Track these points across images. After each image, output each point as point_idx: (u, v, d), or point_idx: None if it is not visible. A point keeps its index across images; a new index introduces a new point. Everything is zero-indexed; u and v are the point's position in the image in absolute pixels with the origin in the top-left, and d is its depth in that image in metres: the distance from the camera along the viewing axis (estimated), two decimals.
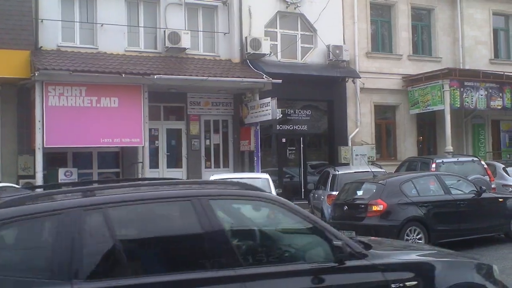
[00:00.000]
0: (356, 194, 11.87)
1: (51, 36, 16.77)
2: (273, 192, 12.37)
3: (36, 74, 14.73)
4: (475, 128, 22.67)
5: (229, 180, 7.98)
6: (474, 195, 11.97)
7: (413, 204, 11.10)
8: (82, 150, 16.92)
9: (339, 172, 14.45)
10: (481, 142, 22.52)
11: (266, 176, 13.29)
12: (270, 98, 16.98)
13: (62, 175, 15.49)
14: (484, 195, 12.06)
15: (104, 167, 17.71)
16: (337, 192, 12.91)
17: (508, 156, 22.65)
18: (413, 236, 10.83)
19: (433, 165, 15.50)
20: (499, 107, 21.00)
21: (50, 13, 16.75)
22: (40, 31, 16.57)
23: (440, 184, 11.90)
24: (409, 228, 10.84)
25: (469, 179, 13.33)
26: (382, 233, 10.33)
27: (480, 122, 22.68)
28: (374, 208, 10.92)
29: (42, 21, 16.58)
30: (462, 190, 12.24)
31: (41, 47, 16.45)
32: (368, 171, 13.18)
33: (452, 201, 11.61)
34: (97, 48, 17.38)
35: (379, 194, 11.14)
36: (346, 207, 11.67)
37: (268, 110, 16.82)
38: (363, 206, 11.22)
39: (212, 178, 12.88)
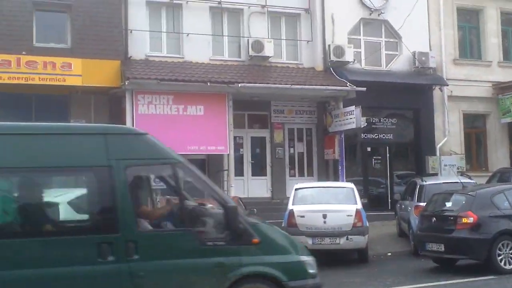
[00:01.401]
0: (445, 205, 11.37)
1: (140, 46, 17.24)
2: (358, 201, 12.11)
3: (126, 83, 15.20)
4: None
5: None
6: None
7: (505, 217, 10.51)
8: None
9: (427, 183, 13.96)
10: None
11: (351, 185, 13.18)
12: (354, 106, 16.72)
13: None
14: None
15: None
16: (425, 203, 12.39)
17: None
18: (505, 250, 10.28)
19: None
20: None
21: (138, 23, 17.26)
22: (130, 41, 17.08)
23: None
24: (502, 242, 10.30)
25: None
26: (473, 246, 10.15)
27: None
28: (464, 220, 10.41)
29: (131, 32, 17.08)
30: None
31: (130, 56, 16.92)
32: (457, 182, 12.55)
33: None
34: (183, 58, 17.70)
35: (469, 205, 10.61)
36: (434, 219, 11.16)
37: (353, 118, 16.55)
38: (452, 218, 10.70)
39: (296, 186, 12.81)
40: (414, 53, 19.51)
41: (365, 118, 17.87)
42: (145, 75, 15.73)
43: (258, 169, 18.51)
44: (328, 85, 17.44)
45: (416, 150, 20.05)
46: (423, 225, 11.49)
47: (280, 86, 16.88)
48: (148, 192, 7.02)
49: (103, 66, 15.65)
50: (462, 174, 16.93)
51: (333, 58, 18.40)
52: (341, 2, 19.20)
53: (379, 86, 18.03)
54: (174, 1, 17.72)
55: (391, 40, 20.03)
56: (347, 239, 11.60)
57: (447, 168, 18.76)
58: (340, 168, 17.24)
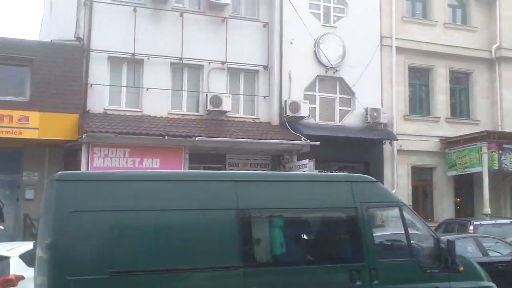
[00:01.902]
0: None
1: (99, 100, 17.72)
2: None
3: (84, 136, 15.59)
4: None
5: None
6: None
7: None
8: None
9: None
10: None
11: None
12: (307, 159, 17.36)
13: None
14: None
15: None
16: None
17: None
18: None
19: (471, 227, 15.47)
20: None
21: (99, 78, 17.78)
22: (89, 95, 17.56)
23: (478, 246, 12.14)
24: None
25: (508, 241, 13.29)
26: None
27: None
28: None
29: (91, 86, 17.60)
30: (500, 252, 12.35)
31: (89, 110, 17.38)
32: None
33: (489, 262, 11.53)
34: (141, 111, 18.23)
35: None
36: None
37: (306, 171, 17.12)
38: None
39: None
40: (366, 109, 20.42)
41: (317, 170, 18.50)
42: (103, 128, 16.08)
43: None
44: (283, 140, 18.07)
45: None
46: None
47: (236, 140, 17.42)
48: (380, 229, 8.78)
49: (60, 120, 15.99)
50: None
51: (289, 113, 19.14)
52: (298, 60, 20.06)
53: (332, 140, 18.75)
54: (136, 57, 18.35)
55: (345, 96, 20.95)
56: None
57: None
58: None
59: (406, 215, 7.93)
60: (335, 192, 7.81)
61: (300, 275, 7.19)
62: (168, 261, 6.56)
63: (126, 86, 18.47)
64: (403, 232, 7.79)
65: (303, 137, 18.21)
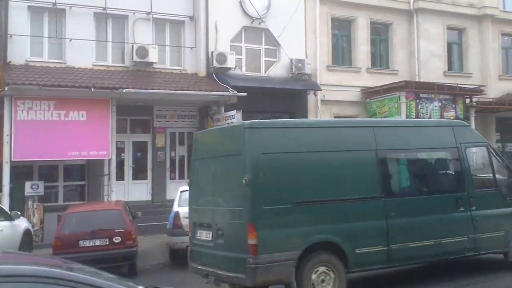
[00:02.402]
0: None
1: (20, 51, 17.20)
2: None
3: (6, 89, 15.14)
4: None
5: None
6: None
7: None
8: (48, 163, 17.31)
9: None
10: None
11: None
12: (235, 110, 17.65)
13: (28, 188, 15.78)
14: None
15: (69, 180, 18.18)
16: None
17: None
18: None
19: None
20: (452, 118, 22.04)
21: (19, 28, 17.19)
22: (9, 46, 16.97)
23: None
24: None
25: None
26: None
27: None
28: None
29: (11, 36, 17.00)
30: None
31: (10, 62, 16.84)
32: None
33: None
34: (65, 63, 17.85)
35: None
36: None
37: (234, 122, 17.39)
38: None
39: (181, 189, 13.47)
40: (291, 60, 20.86)
41: (243, 121, 18.91)
42: (26, 80, 15.68)
43: (139, 173, 19.00)
44: (211, 91, 18.23)
45: None
46: None
47: (164, 91, 17.40)
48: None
49: None
50: None
51: (215, 64, 19.29)
52: (224, 11, 20.08)
53: (258, 91, 19.09)
54: (57, 6, 17.80)
55: (271, 47, 21.28)
56: None
57: None
58: None
59: (491, 153, 10.13)
60: (442, 135, 9.88)
61: (421, 203, 9.17)
62: (331, 193, 8.32)
63: (48, 37, 17.98)
64: (490, 167, 10.05)
65: (230, 88, 18.44)
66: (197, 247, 8.98)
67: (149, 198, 18.68)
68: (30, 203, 15.35)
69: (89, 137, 16.17)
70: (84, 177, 18.16)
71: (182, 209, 12.42)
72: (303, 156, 8.26)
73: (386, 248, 8.54)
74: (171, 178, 19.31)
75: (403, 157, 9.50)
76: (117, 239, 10.98)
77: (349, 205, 8.44)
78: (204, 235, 8.74)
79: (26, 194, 15.42)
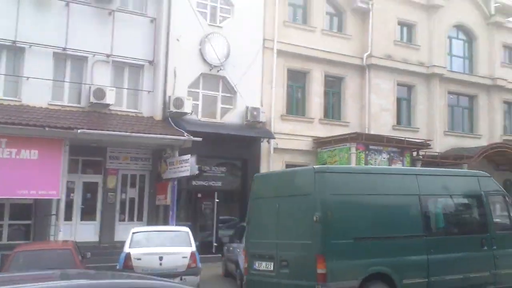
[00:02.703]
0: None
1: None
2: (193, 244, 13.24)
3: None
4: None
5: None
6: None
7: None
8: None
9: None
10: None
11: (186, 229, 14.08)
12: (190, 155, 17.79)
13: None
14: None
15: (16, 218, 17.93)
16: None
17: None
18: None
19: None
20: None
21: None
22: None
23: None
24: None
25: None
26: None
27: None
28: None
29: None
30: None
31: None
32: None
33: None
34: (20, 101, 17.91)
35: None
36: None
37: (187, 166, 17.61)
38: None
39: (133, 230, 13.59)
40: (247, 108, 21.40)
41: (197, 166, 19.16)
42: None
43: (88, 214, 18.90)
44: (166, 134, 18.41)
45: (242, 196, 21.55)
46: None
47: (119, 133, 17.39)
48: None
49: None
50: None
51: (172, 108, 19.59)
52: (184, 57, 20.53)
53: (213, 137, 19.48)
54: (17, 44, 17.95)
55: (228, 94, 21.79)
56: (181, 279, 12.30)
57: None
58: (171, 213, 18.21)
59: (507, 200, 11.94)
60: (470, 183, 11.64)
61: (453, 241, 10.72)
62: (384, 230, 9.79)
63: (4, 74, 18.04)
64: (507, 211, 11.85)
65: (185, 133, 18.72)
66: (256, 277, 10.38)
67: (96, 239, 18.54)
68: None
69: (39, 177, 16.03)
70: (30, 216, 17.93)
71: (133, 250, 12.62)
72: (362, 198, 9.81)
73: (427, 280, 10.03)
74: (120, 220, 19.27)
75: (440, 202, 11.15)
76: None
77: (398, 241, 9.91)
78: (264, 266, 10.24)
79: None
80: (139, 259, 12.54)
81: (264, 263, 10.21)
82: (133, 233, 13.48)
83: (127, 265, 12.41)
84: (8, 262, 11.14)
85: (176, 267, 12.62)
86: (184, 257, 12.80)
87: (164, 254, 12.70)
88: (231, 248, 16.34)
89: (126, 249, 12.84)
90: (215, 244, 20.31)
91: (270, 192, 10.59)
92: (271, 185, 10.83)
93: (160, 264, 12.54)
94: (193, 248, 13.18)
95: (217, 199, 21.07)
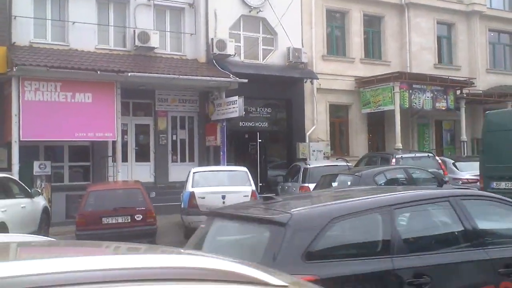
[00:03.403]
0: (333, 184, 12.89)
1: (24, 32, 17.26)
2: (252, 183, 13.41)
3: (14, 70, 15.20)
4: (420, 127, 24.53)
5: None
6: (436, 185, 13.40)
7: None
8: (54, 144, 17.45)
9: (311, 166, 15.60)
10: (425, 140, 24.38)
11: (245, 169, 14.30)
12: (237, 96, 17.88)
13: (36, 167, 15.91)
14: (444, 186, 13.49)
15: (74, 160, 18.33)
16: (308, 184, 14.08)
17: (450, 153, 24.53)
18: None
19: (393, 160, 16.61)
20: (443, 108, 22.83)
21: (23, 10, 17.25)
22: (13, 28, 17.01)
23: (407, 175, 13.23)
24: None
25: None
26: None
27: (424, 122, 24.54)
28: None
29: (15, 18, 17.03)
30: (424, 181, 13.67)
31: (14, 43, 16.89)
32: (337, 165, 14.40)
33: None
34: (68, 45, 17.97)
35: (356, 184, 12.15)
36: None
37: (236, 107, 17.75)
38: None
39: (194, 170, 13.82)
40: (288, 49, 21.27)
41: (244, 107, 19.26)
42: (33, 61, 15.69)
43: (142, 155, 19.27)
44: (213, 76, 18.50)
45: (288, 137, 21.84)
46: None
47: (168, 76, 17.52)
48: None
49: None
50: (337, 159, 19.03)
51: (215, 51, 19.56)
52: None
53: (256, 78, 19.39)
54: None
55: (268, 36, 21.64)
56: None
57: (315, 154, 20.83)
58: (222, 154, 18.48)
59: None
60: None
61: None
62: None
63: (51, 19, 18.06)
64: None
65: (231, 75, 18.74)
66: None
67: (152, 179, 18.94)
68: (38, 182, 15.48)
69: (95, 119, 16.33)
70: (88, 158, 18.33)
71: (197, 189, 12.85)
72: None
73: None
74: (173, 161, 19.61)
75: None
76: (138, 217, 11.28)
77: None
78: (504, 185, 11.97)
79: (34, 173, 15.53)
80: (203, 197, 12.79)
81: (503, 183, 12.08)
82: (194, 173, 13.70)
83: (192, 204, 12.72)
84: (83, 201, 11.47)
85: None
86: (245, 196, 13.01)
87: (227, 192, 12.93)
88: (286, 187, 16.55)
89: (189, 188, 13.10)
90: (260, 184, 20.55)
91: (502, 126, 12.36)
92: (503, 120, 12.68)
93: (223, 202, 12.75)
94: (253, 187, 13.45)
95: (260, 139, 21.22)
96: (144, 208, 11.39)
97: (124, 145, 18.51)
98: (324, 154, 20.91)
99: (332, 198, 5.35)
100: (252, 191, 13.18)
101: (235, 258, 2.11)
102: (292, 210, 4.37)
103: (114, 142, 17.01)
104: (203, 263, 1.68)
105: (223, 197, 12.81)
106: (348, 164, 16.30)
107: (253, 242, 4.56)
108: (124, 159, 18.17)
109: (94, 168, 18.06)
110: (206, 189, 13.01)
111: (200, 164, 19.30)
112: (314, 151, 20.88)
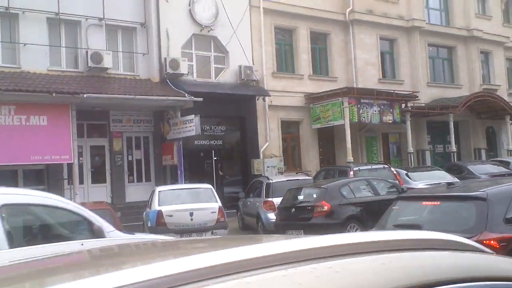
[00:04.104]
0: (300, 197, 13.34)
1: None
2: (218, 200, 13.65)
3: None
4: (368, 141, 25.41)
5: None
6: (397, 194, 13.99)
7: (351, 204, 12.76)
8: (7, 168, 17.09)
9: (274, 181, 16.03)
10: (374, 153, 25.26)
11: (209, 186, 14.56)
12: (193, 115, 18.12)
13: None
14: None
15: (29, 184, 17.91)
16: (272, 198, 14.47)
17: (396, 165, 25.44)
18: (353, 231, 12.26)
19: (351, 172, 17.09)
20: (390, 121, 23.78)
21: None
22: None
23: (370, 186, 13.78)
24: (350, 225, 12.41)
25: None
26: (328, 230, 11.49)
27: (372, 135, 25.45)
28: (319, 209, 12.47)
29: None
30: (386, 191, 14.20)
31: None
32: (298, 179, 14.89)
33: (382, 200, 12.68)
34: (20, 68, 17.73)
35: (322, 196, 12.69)
36: (293, 210, 13.07)
37: (192, 126, 17.96)
38: (309, 207, 12.71)
39: (159, 189, 13.91)
40: (240, 67, 21.68)
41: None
42: None
43: (98, 177, 19.15)
44: (169, 96, 18.66)
45: (243, 154, 22.19)
46: (282, 216, 13.27)
47: (124, 96, 17.61)
48: None
49: None
50: (297, 173, 19.51)
51: (169, 70, 19.70)
52: (174, 18, 20.53)
53: (209, 97, 19.58)
54: (10, 11, 17.65)
55: (220, 54, 21.99)
56: (212, 233, 12.86)
57: (269, 169, 21.28)
58: (179, 172, 18.63)
59: None
60: None
61: None
62: None
63: (1, 41, 17.78)
64: None
65: (186, 94, 18.93)
66: None
67: (109, 201, 18.76)
68: None
69: (51, 142, 16.17)
70: (43, 182, 18.02)
71: (164, 208, 12.95)
72: None
73: None
74: (129, 181, 19.56)
75: None
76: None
77: None
78: None
79: None
80: (171, 215, 12.92)
81: None
82: (159, 191, 13.79)
83: (160, 222, 12.81)
84: None
85: (206, 221, 13.08)
86: (213, 212, 13.27)
87: (194, 209, 13.11)
88: (248, 203, 16.81)
89: (156, 206, 13.16)
90: None
91: None
92: None
93: (191, 219, 12.94)
94: (219, 203, 13.63)
95: (215, 157, 21.49)
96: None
97: (80, 167, 18.30)
98: (278, 170, 21.39)
99: (496, 182, 7.20)
100: (219, 207, 13.40)
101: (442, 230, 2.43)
102: (485, 189, 6.06)
103: (70, 165, 16.86)
104: (424, 235, 1.84)
105: (191, 214, 13.01)
106: (309, 177, 16.80)
107: (457, 215, 6.21)
108: (80, 181, 18.02)
109: (50, 191, 17.68)
110: (174, 207, 13.12)
111: (157, 184, 19.23)
112: (268, 167, 21.34)
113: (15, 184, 17.49)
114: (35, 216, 6.09)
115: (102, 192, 18.72)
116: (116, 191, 18.93)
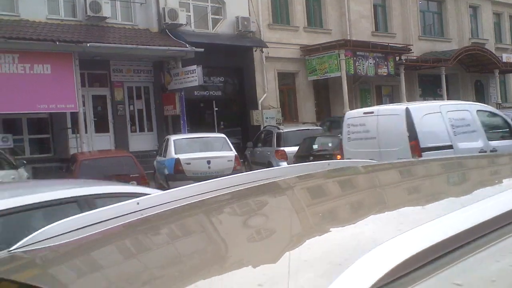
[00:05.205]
0: (316, 146, 13.65)
1: None
2: (233, 148, 13.84)
3: None
4: (362, 93, 25.72)
5: None
6: None
7: None
8: (13, 116, 16.98)
9: (285, 130, 16.27)
10: (368, 105, 25.53)
11: (223, 135, 14.69)
12: (195, 65, 18.09)
13: None
14: None
15: (34, 133, 17.95)
16: (284, 148, 14.74)
17: None
18: None
19: None
20: (385, 74, 24.08)
21: None
22: None
23: None
24: None
25: None
26: None
27: (366, 88, 25.76)
28: (338, 156, 12.77)
29: None
30: None
31: None
32: (308, 129, 15.14)
33: None
34: (18, 16, 17.37)
35: (336, 145, 13.01)
36: (311, 158, 13.33)
37: (195, 76, 18.00)
38: (328, 156, 12.94)
39: (173, 138, 13.99)
40: (237, 18, 21.55)
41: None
42: None
43: (101, 126, 19.12)
44: (170, 46, 18.51)
45: (241, 105, 22.32)
46: None
47: (129, 46, 17.37)
48: None
49: None
50: (303, 123, 19.76)
51: (167, 20, 19.52)
52: None
53: (208, 47, 19.37)
54: None
55: (217, 5, 21.79)
56: None
57: (268, 120, 21.47)
58: (182, 122, 18.73)
59: None
60: None
61: None
62: None
63: None
64: None
65: (187, 44, 18.80)
66: None
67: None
68: None
69: (55, 91, 16.00)
70: (48, 130, 17.96)
71: (182, 156, 13.10)
72: None
73: None
74: (132, 131, 19.55)
75: None
76: (133, 184, 11.40)
77: None
78: None
79: None
80: (189, 163, 13.06)
81: None
82: (174, 140, 13.88)
83: (178, 170, 12.97)
84: (76, 171, 11.44)
85: (224, 170, 13.17)
86: (229, 161, 13.47)
87: (211, 158, 13.28)
88: (257, 152, 17.04)
89: (173, 155, 13.27)
90: None
91: None
92: None
93: (209, 167, 13.10)
94: (235, 152, 13.84)
95: (216, 107, 21.55)
96: (138, 175, 11.54)
97: (83, 116, 18.25)
98: (276, 121, 21.58)
99: None
100: (235, 156, 13.62)
101: None
102: None
103: (73, 114, 16.81)
104: None
105: (209, 162, 13.17)
106: (318, 127, 17.08)
107: None
108: (84, 130, 17.98)
109: (55, 140, 17.76)
110: (191, 155, 13.26)
111: (159, 134, 19.42)
112: (267, 118, 21.53)
113: (20, 133, 17.44)
114: None
115: (105, 141, 18.71)
116: (119, 141, 18.94)
